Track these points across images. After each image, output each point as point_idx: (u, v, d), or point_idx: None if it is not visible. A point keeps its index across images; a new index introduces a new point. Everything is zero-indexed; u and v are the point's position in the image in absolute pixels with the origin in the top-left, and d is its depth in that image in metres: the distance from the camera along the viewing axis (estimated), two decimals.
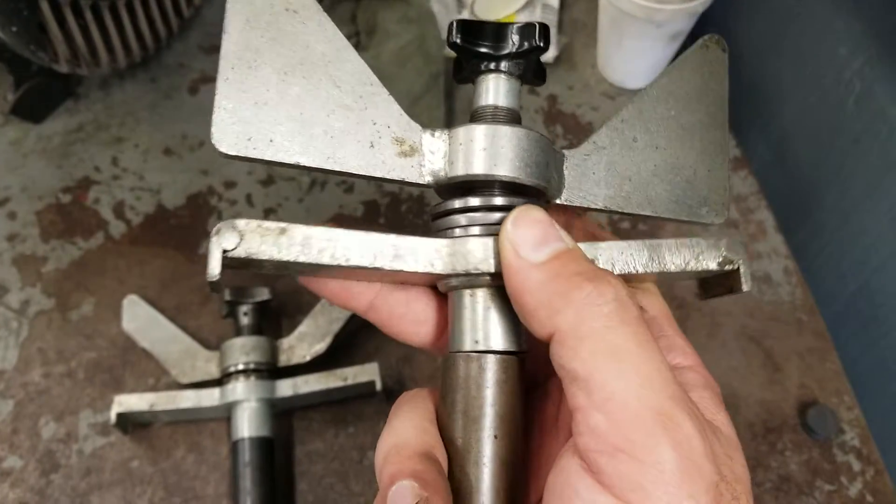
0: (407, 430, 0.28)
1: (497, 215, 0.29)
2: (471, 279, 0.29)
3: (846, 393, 0.63)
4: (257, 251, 0.27)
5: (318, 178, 0.72)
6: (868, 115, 0.70)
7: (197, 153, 0.74)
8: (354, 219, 0.69)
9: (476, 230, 0.29)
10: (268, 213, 0.70)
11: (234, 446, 0.55)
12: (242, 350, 0.57)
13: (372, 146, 0.29)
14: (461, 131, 0.29)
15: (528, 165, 0.29)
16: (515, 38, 0.29)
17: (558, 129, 0.77)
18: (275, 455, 0.56)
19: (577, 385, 0.25)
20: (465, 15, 0.82)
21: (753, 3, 0.85)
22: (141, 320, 0.61)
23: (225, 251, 0.26)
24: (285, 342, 0.59)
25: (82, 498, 0.56)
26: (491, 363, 0.29)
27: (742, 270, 0.31)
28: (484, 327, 0.29)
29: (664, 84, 0.33)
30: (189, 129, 0.75)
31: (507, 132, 0.29)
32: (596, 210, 0.32)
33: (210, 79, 0.79)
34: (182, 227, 0.69)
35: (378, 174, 0.29)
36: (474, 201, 0.29)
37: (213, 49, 0.82)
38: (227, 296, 0.60)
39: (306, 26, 0.29)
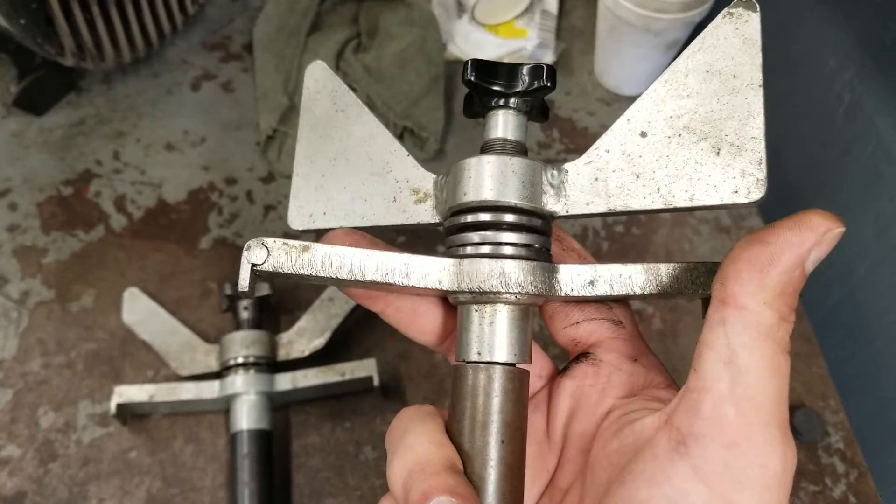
0: (425, 445, 0.29)
1: (503, 236, 0.31)
2: (475, 296, 0.31)
3: (832, 397, 0.64)
4: (282, 266, 0.30)
5: None
6: (857, 127, 0.71)
7: (198, 149, 0.74)
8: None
9: (485, 249, 0.31)
10: (268, 210, 0.70)
11: (233, 438, 0.56)
12: (242, 344, 0.58)
13: (395, 200, 0.34)
14: (473, 162, 0.31)
15: (529, 191, 0.31)
16: (526, 77, 0.31)
17: (555, 133, 0.78)
18: (272, 448, 0.57)
19: (727, 369, 0.25)
20: (466, 20, 0.83)
21: None
22: (141, 313, 0.62)
23: (254, 265, 0.30)
24: (284, 337, 0.60)
25: (80, 487, 0.56)
26: (498, 373, 0.31)
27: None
28: (490, 340, 0.31)
29: (678, 68, 0.31)
30: (190, 125, 0.76)
31: (515, 163, 0.31)
32: (599, 215, 0.32)
33: (212, 75, 0.80)
34: (183, 222, 0.69)
35: (399, 222, 0.34)
36: (483, 221, 0.31)
37: (216, 46, 0.83)
38: (227, 290, 0.61)
39: (349, 119, 0.35)
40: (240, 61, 0.81)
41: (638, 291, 0.31)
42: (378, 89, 0.75)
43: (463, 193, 0.31)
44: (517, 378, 0.31)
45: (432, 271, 0.31)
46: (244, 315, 0.60)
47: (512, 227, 0.31)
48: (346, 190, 0.34)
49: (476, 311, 0.32)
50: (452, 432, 0.31)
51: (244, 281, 0.30)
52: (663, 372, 0.32)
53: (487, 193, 0.30)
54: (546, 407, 0.34)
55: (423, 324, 0.35)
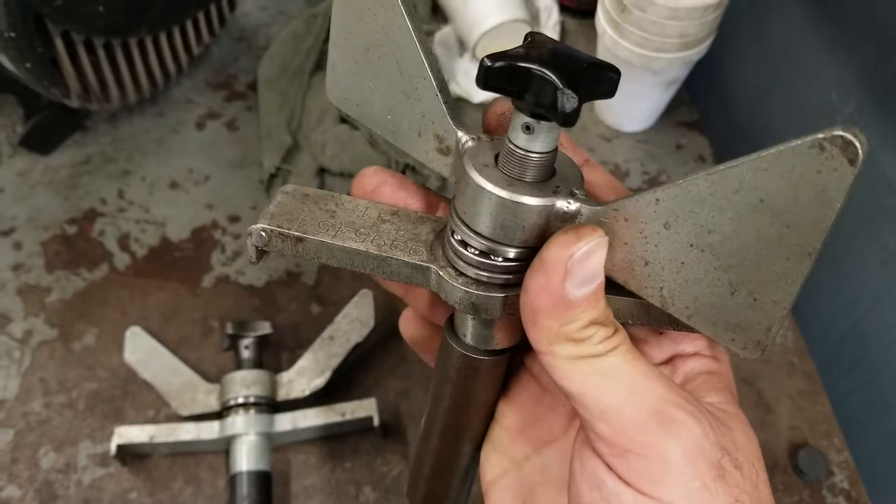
0: None
1: (490, 265, 0.30)
2: None
3: (836, 435, 0.63)
4: (280, 250, 0.32)
5: None
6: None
7: (202, 187, 0.75)
8: None
9: (470, 273, 0.30)
10: None
11: (232, 480, 0.56)
12: (243, 383, 0.58)
13: (419, 135, 0.32)
14: (476, 179, 0.28)
15: (531, 234, 0.29)
16: (565, 95, 0.25)
17: None
18: (272, 489, 0.56)
19: (574, 400, 0.27)
20: (467, 58, 0.84)
21: (746, 49, 0.87)
22: (142, 352, 0.62)
23: (257, 247, 0.32)
24: (285, 376, 0.60)
25: None
26: (458, 356, 0.33)
27: None
28: (473, 331, 0.33)
29: (733, 175, 0.25)
30: (195, 164, 0.77)
31: (520, 209, 0.28)
32: None
33: (217, 115, 0.81)
34: (186, 260, 0.70)
35: (423, 160, 0.32)
36: (474, 247, 0.30)
37: (221, 86, 0.84)
38: (229, 329, 0.61)
39: (384, 10, 0.30)
40: (244, 100, 0.82)
41: (631, 322, 0.31)
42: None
43: (463, 211, 0.29)
44: (496, 363, 0.34)
45: (417, 275, 0.31)
46: (245, 354, 0.60)
47: (500, 257, 0.29)
48: (377, 93, 0.32)
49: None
50: (435, 386, 0.36)
51: (252, 256, 0.32)
52: (691, 337, 0.33)
53: (483, 228, 0.29)
54: None
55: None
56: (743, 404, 0.65)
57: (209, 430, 0.57)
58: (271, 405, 0.58)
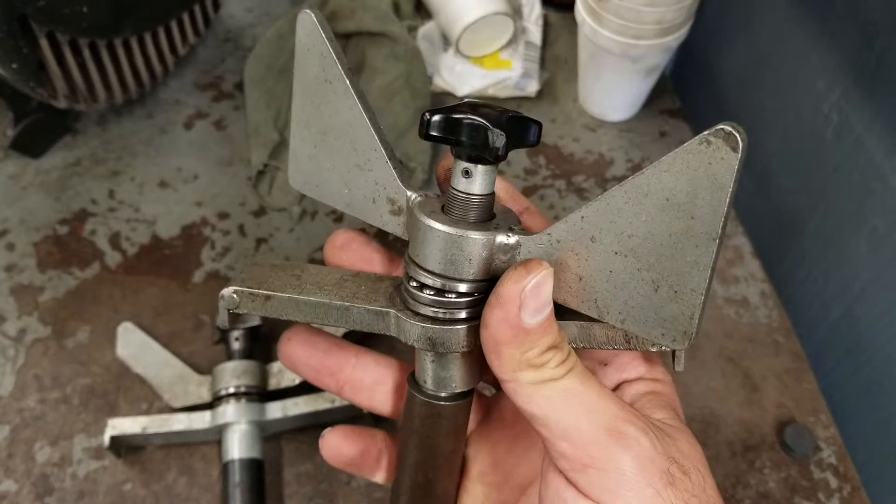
0: None
1: (442, 301, 0.32)
2: None
3: (822, 412, 0.64)
4: (250, 310, 0.35)
5: (308, 209, 0.74)
6: (846, 146, 0.72)
7: (191, 185, 0.76)
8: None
9: (426, 311, 0.33)
10: (260, 243, 0.72)
11: (225, 468, 0.56)
12: (233, 374, 0.58)
13: (373, 202, 0.35)
14: (426, 222, 0.32)
15: (477, 267, 0.32)
16: (493, 137, 0.29)
17: (541, 159, 0.80)
18: (265, 477, 0.57)
19: (537, 423, 0.30)
20: (451, 53, 0.85)
21: (731, 37, 0.88)
22: (135, 347, 0.63)
23: (229, 310, 0.35)
24: (275, 366, 0.61)
25: None
26: (421, 404, 0.36)
27: (677, 354, 0.32)
28: (433, 374, 0.35)
29: (641, 182, 0.28)
30: (184, 163, 0.78)
31: (466, 242, 0.31)
32: None
33: (204, 114, 0.82)
34: (176, 257, 0.71)
35: (378, 225, 0.36)
36: (427, 284, 0.33)
37: (208, 86, 0.85)
38: (219, 322, 0.62)
39: (336, 96, 0.34)
40: (231, 100, 0.83)
41: (571, 344, 0.34)
42: None
43: (416, 253, 0.32)
44: (458, 408, 0.36)
45: (377, 321, 0.34)
46: (235, 346, 0.61)
47: (452, 293, 0.32)
48: (334, 171, 0.36)
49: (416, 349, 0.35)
50: (401, 440, 0.37)
51: (223, 322, 0.35)
52: (634, 364, 0.36)
53: (435, 266, 0.32)
54: None
55: (383, 395, 0.40)
56: (729, 383, 0.66)
57: (201, 420, 0.58)
58: (262, 394, 0.59)
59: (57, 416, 0.61)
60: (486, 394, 0.42)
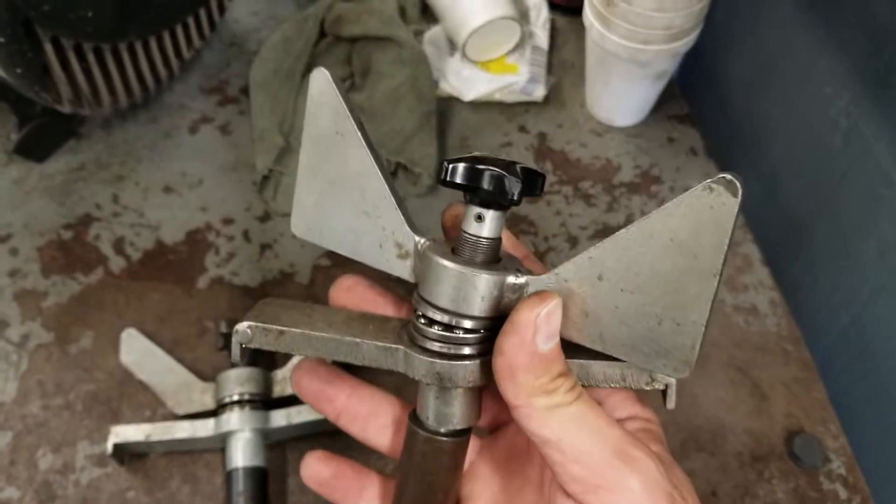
0: None
1: (454, 338, 0.34)
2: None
3: (832, 422, 0.63)
4: (262, 345, 0.36)
5: None
6: (854, 152, 0.72)
7: (196, 190, 0.75)
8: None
9: (435, 346, 0.34)
10: (264, 248, 0.71)
11: (229, 476, 0.56)
12: (237, 381, 0.58)
13: (380, 247, 0.37)
14: (441, 262, 0.33)
15: (487, 304, 0.34)
16: (509, 187, 0.32)
17: (548, 165, 0.79)
18: (268, 485, 0.57)
19: (550, 447, 0.31)
20: (457, 57, 0.85)
21: (739, 45, 0.87)
22: (138, 353, 0.62)
23: (241, 344, 0.36)
24: (279, 373, 0.61)
25: None
26: (423, 440, 0.37)
27: (668, 392, 0.34)
28: (435, 410, 0.36)
29: (648, 224, 0.30)
30: (188, 168, 0.77)
31: (479, 280, 0.33)
32: None
33: (209, 119, 0.81)
34: (180, 262, 0.70)
35: (384, 269, 0.37)
36: (438, 321, 0.34)
37: (213, 90, 0.84)
38: (223, 328, 0.61)
39: (347, 148, 0.36)
40: (237, 104, 0.83)
41: None
42: (371, 127, 0.76)
43: (427, 292, 0.34)
44: (457, 444, 0.37)
45: (386, 357, 0.35)
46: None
47: (461, 330, 0.34)
48: (341, 218, 0.37)
49: (427, 384, 0.36)
50: (400, 477, 0.38)
51: (236, 356, 0.36)
52: (625, 405, 0.39)
53: (446, 302, 0.33)
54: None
55: (376, 428, 0.41)
56: (738, 393, 0.66)
57: (204, 428, 0.57)
58: (266, 402, 0.59)
59: (60, 423, 0.61)
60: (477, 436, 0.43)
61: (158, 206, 0.74)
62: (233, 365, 0.61)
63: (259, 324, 0.36)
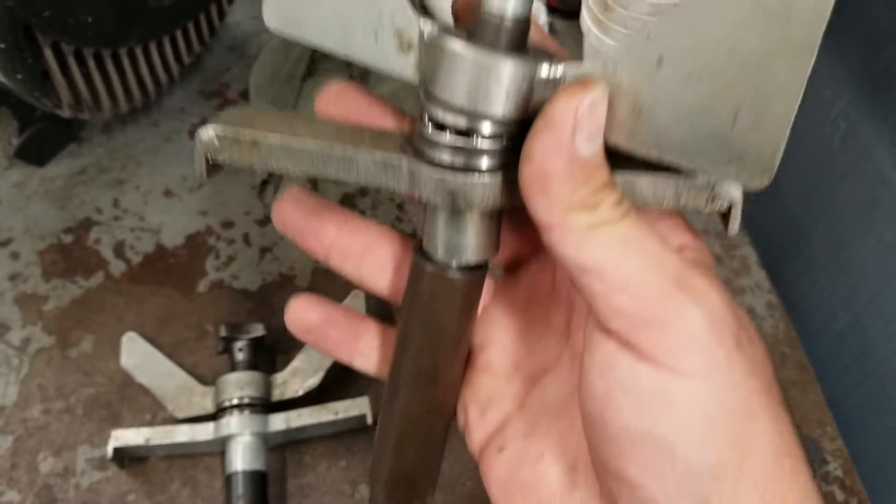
0: None
1: (465, 144, 0.28)
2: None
3: (829, 424, 0.64)
4: (233, 159, 0.30)
5: None
6: (853, 154, 0.72)
7: (196, 194, 0.76)
8: None
9: (444, 157, 0.28)
10: (264, 252, 0.72)
11: (228, 480, 0.56)
12: (237, 385, 0.58)
13: (375, 38, 0.29)
14: (454, 46, 0.26)
15: (513, 101, 0.27)
16: None
17: None
18: (268, 488, 0.57)
19: (590, 275, 0.25)
20: None
21: None
22: (139, 357, 0.63)
23: (207, 157, 0.30)
24: (279, 377, 0.61)
25: None
26: (430, 276, 0.31)
27: (732, 213, 0.27)
28: (445, 239, 0.30)
29: None
30: (189, 172, 0.77)
31: (504, 67, 0.26)
32: None
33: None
34: (180, 266, 0.71)
35: (381, 67, 0.30)
36: (450, 125, 0.28)
37: (213, 94, 0.85)
38: (222, 332, 0.62)
39: None
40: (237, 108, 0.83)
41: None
42: None
43: (437, 88, 0.27)
44: (471, 281, 0.31)
45: (386, 174, 0.29)
46: (239, 356, 0.61)
47: (479, 136, 0.28)
48: (326, 2, 0.30)
49: (435, 208, 0.30)
50: (404, 319, 0.32)
51: (201, 171, 0.30)
52: (675, 232, 0.32)
53: (462, 100, 0.27)
54: (551, 266, 0.34)
55: (374, 266, 0.34)
56: None
57: (204, 432, 0.57)
58: (266, 406, 0.59)
59: (60, 427, 0.61)
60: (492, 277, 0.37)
61: (159, 209, 0.75)
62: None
63: (230, 128, 0.29)
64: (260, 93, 0.80)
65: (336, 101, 0.33)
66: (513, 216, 0.31)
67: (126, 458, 0.59)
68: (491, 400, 0.34)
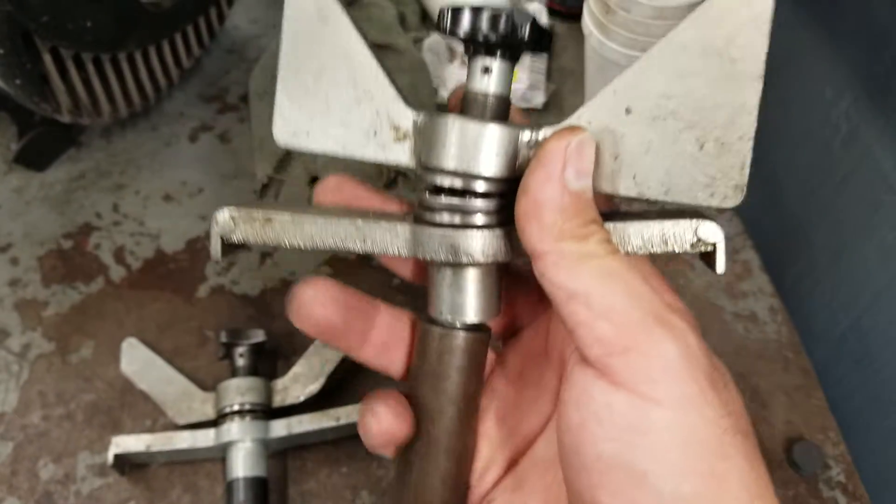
0: None
1: (466, 204, 0.31)
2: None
3: (831, 429, 0.63)
4: (247, 237, 0.32)
5: None
6: (855, 155, 0.72)
7: (196, 199, 0.76)
8: (348, 262, 0.71)
9: (444, 217, 0.31)
10: (264, 257, 0.71)
11: (229, 486, 0.56)
12: (238, 391, 0.58)
13: (375, 134, 0.33)
14: (448, 123, 0.30)
15: (501, 160, 0.30)
16: (521, 28, 0.29)
17: None
18: (269, 495, 0.57)
19: (576, 301, 0.27)
20: (457, 65, 0.85)
21: None
22: (139, 363, 0.63)
23: (223, 237, 0.32)
24: (280, 383, 0.61)
25: None
26: (459, 336, 0.33)
27: (717, 251, 0.30)
28: (450, 300, 0.32)
29: (674, 39, 0.28)
30: (189, 176, 0.77)
31: (491, 132, 0.30)
32: None
33: (209, 127, 0.81)
34: (180, 271, 0.70)
35: (379, 159, 0.33)
36: (447, 188, 0.31)
37: (213, 98, 0.84)
38: (223, 338, 0.61)
39: (333, 33, 0.33)
40: (236, 112, 0.83)
41: None
42: None
43: (433, 156, 0.30)
44: (476, 341, 0.33)
45: (388, 240, 0.32)
46: (240, 362, 0.61)
47: (474, 195, 0.31)
48: (329, 112, 0.34)
49: (438, 271, 0.32)
50: (413, 387, 0.34)
51: (216, 252, 0.32)
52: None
53: (455, 163, 0.30)
54: (544, 330, 0.36)
55: (392, 354, 0.36)
56: None
57: (205, 438, 0.57)
58: (266, 412, 0.59)
59: (61, 433, 0.61)
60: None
61: (158, 214, 0.74)
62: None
63: (243, 209, 0.31)
64: (260, 97, 0.80)
65: (334, 192, 0.36)
66: (507, 288, 0.32)
67: (127, 464, 0.58)
68: (487, 468, 0.36)
